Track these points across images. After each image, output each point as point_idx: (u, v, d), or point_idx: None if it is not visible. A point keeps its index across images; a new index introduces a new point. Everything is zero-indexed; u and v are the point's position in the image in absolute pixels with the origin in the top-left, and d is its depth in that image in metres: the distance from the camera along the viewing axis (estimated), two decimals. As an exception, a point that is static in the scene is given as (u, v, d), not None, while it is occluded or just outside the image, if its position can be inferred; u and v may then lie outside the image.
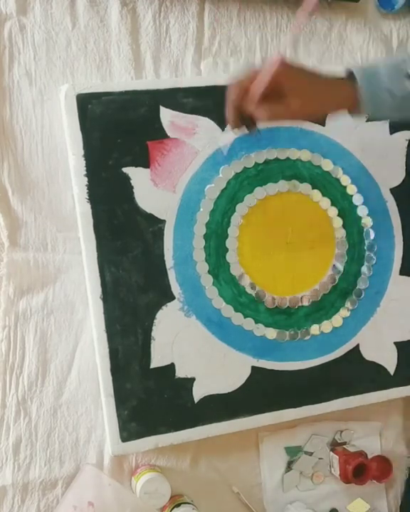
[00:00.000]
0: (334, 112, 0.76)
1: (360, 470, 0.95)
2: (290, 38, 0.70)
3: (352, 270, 0.94)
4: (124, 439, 0.84)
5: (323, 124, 0.92)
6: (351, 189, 0.94)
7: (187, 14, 0.91)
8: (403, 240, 0.96)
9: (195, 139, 0.87)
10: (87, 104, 0.83)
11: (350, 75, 0.73)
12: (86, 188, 0.83)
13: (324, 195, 0.93)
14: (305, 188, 0.92)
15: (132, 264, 0.85)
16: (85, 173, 0.83)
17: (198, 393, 0.88)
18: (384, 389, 0.96)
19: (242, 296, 0.90)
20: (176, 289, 0.87)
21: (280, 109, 0.70)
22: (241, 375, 0.90)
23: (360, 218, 0.95)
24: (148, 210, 0.86)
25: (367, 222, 0.95)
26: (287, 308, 0.92)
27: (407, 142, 0.97)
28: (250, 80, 0.70)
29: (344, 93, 0.73)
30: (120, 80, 0.88)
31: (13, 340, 0.84)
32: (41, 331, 0.85)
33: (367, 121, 0.79)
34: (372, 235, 0.95)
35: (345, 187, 0.94)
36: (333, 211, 0.93)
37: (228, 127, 0.78)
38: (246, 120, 0.73)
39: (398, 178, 0.97)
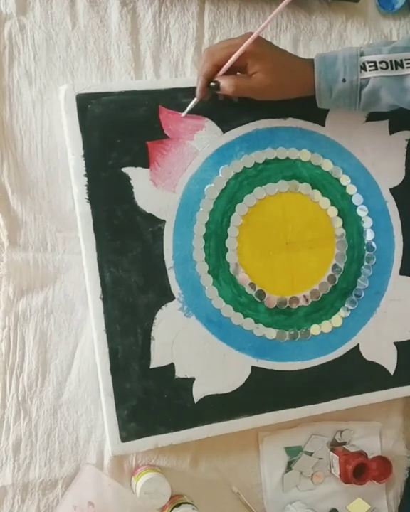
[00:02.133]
0: (295, 94, 0.82)
1: (360, 470, 0.95)
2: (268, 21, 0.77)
3: (352, 270, 0.94)
4: (123, 439, 0.84)
5: (323, 124, 0.92)
6: (351, 189, 0.94)
7: (187, 14, 0.91)
8: (403, 240, 0.96)
9: (195, 139, 0.87)
10: (86, 104, 0.83)
11: (311, 62, 0.80)
12: (86, 188, 0.83)
13: (324, 195, 0.93)
14: (305, 188, 0.92)
15: (131, 264, 0.85)
16: (84, 173, 0.83)
17: (197, 393, 0.88)
18: (384, 389, 0.96)
19: (242, 296, 0.90)
20: (175, 289, 0.87)
21: (243, 83, 0.79)
22: (241, 375, 0.90)
23: (360, 218, 0.95)
24: (148, 210, 0.86)
25: (367, 222, 0.95)
26: (287, 308, 0.92)
27: (407, 142, 0.97)
28: (222, 53, 0.78)
29: (304, 78, 0.80)
30: (120, 80, 0.88)
31: (13, 340, 0.84)
32: (41, 331, 0.85)
33: (322, 107, 0.84)
34: (372, 235, 0.95)
35: (345, 187, 0.94)
36: (333, 211, 0.93)
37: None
38: (213, 89, 0.80)
39: (398, 178, 0.97)
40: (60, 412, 0.86)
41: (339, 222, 0.94)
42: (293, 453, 0.97)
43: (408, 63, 0.76)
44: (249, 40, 0.76)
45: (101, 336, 0.84)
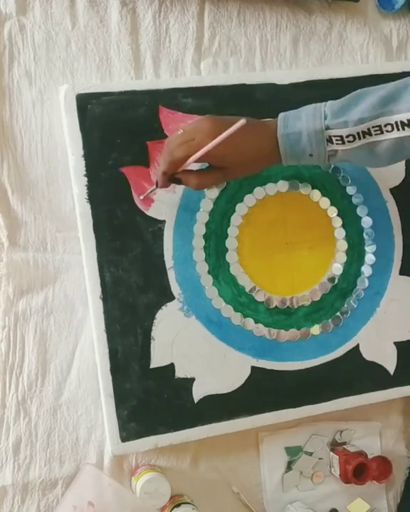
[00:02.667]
0: (262, 169, 0.79)
1: (360, 470, 0.95)
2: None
3: (352, 270, 0.94)
4: (123, 439, 0.85)
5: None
6: (351, 189, 0.94)
7: (187, 14, 0.91)
8: (403, 240, 0.96)
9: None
10: (86, 104, 0.83)
11: (276, 138, 0.74)
12: (86, 188, 0.83)
13: (324, 195, 0.93)
14: (305, 188, 0.92)
15: (131, 264, 0.85)
16: (84, 173, 0.83)
17: (197, 393, 0.88)
18: (384, 389, 0.96)
19: (242, 296, 0.90)
20: (175, 289, 0.87)
21: (208, 179, 0.77)
22: (241, 375, 0.90)
23: (360, 218, 0.95)
24: (148, 210, 0.86)
25: (367, 222, 0.95)
26: (287, 308, 0.92)
27: (407, 142, 0.97)
28: (180, 153, 0.74)
29: (271, 156, 0.75)
30: (120, 80, 0.88)
31: (12, 340, 0.84)
32: (41, 331, 0.85)
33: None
34: (372, 235, 0.95)
35: (345, 187, 0.94)
36: (333, 211, 0.93)
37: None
38: (175, 182, 0.78)
39: (398, 178, 0.96)
40: (60, 412, 0.86)
41: (339, 222, 0.94)
42: (293, 453, 0.97)
43: (376, 131, 0.69)
44: (209, 146, 0.71)
45: (101, 336, 0.84)
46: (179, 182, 0.78)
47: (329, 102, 0.74)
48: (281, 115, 0.75)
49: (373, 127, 0.69)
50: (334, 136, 0.71)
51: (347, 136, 0.71)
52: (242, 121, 0.69)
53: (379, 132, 0.69)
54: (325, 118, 0.72)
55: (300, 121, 0.73)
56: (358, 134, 0.70)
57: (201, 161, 0.74)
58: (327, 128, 0.71)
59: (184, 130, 0.75)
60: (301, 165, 0.81)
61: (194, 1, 0.91)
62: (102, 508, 0.83)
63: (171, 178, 0.77)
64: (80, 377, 0.87)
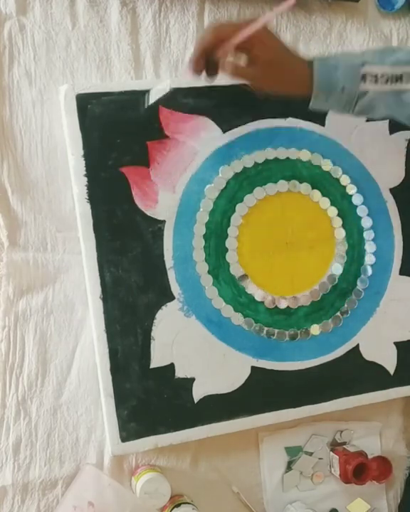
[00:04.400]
0: (290, 91, 0.79)
1: (360, 470, 0.95)
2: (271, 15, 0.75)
3: (352, 270, 0.94)
4: (123, 439, 0.85)
5: (323, 124, 0.92)
6: (351, 189, 0.94)
7: (187, 14, 0.91)
8: (403, 240, 0.96)
9: (195, 139, 0.87)
10: (86, 104, 0.83)
11: (311, 64, 0.77)
12: (86, 188, 0.83)
13: (323, 195, 0.93)
14: (305, 188, 0.92)
15: (131, 264, 0.85)
16: (84, 173, 0.83)
17: (197, 393, 0.88)
18: (384, 389, 0.96)
19: (242, 296, 0.90)
20: (175, 289, 0.87)
21: (243, 70, 0.76)
22: (241, 375, 0.90)
23: (360, 218, 0.95)
24: (147, 211, 0.86)
25: (367, 222, 0.95)
26: (287, 308, 0.92)
27: (407, 142, 0.97)
28: (229, 30, 0.74)
29: (303, 78, 0.77)
30: (120, 80, 0.88)
31: (13, 340, 0.84)
32: (41, 331, 0.85)
33: (312, 109, 0.80)
34: (372, 235, 0.95)
35: (345, 187, 0.94)
36: (333, 211, 0.93)
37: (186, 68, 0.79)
38: (210, 66, 0.76)
39: (398, 178, 0.97)
40: (60, 412, 0.86)
41: (339, 222, 0.94)
42: (293, 453, 0.97)
43: (408, 78, 0.74)
44: (262, 20, 0.72)
45: (101, 336, 0.84)
46: (213, 66, 0.76)
47: (366, 49, 0.79)
48: (317, 56, 0.78)
49: (406, 74, 0.73)
50: (369, 73, 0.74)
51: (381, 76, 0.74)
52: (292, 1, 0.71)
53: None
54: (363, 55, 0.76)
55: (337, 58, 0.77)
56: (391, 76, 0.74)
57: (241, 46, 0.73)
58: (364, 64, 0.75)
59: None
60: (325, 108, 0.80)
61: (194, 1, 0.91)
62: (102, 508, 0.83)
63: (208, 59, 0.75)
64: (80, 377, 0.87)
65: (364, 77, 0.74)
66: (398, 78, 0.74)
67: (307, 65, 0.77)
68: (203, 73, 0.78)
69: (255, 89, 0.80)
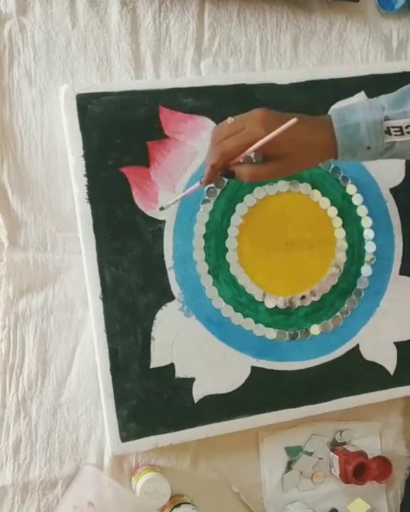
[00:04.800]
0: (316, 164, 0.78)
1: (360, 470, 0.95)
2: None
3: (352, 270, 0.94)
4: (123, 439, 0.85)
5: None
6: (351, 189, 0.94)
7: (187, 14, 0.91)
8: (403, 240, 0.96)
9: (195, 139, 0.87)
10: (86, 104, 0.83)
11: (331, 129, 0.72)
12: (86, 188, 0.83)
13: (323, 195, 0.93)
14: (305, 187, 0.92)
15: (131, 264, 0.85)
16: (84, 173, 0.83)
17: (197, 393, 0.88)
18: (384, 389, 0.96)
19: (242, 296, 0.90)
20: (175, 289, 0.87)
21: (261, 172, 0.72)
22: (241, 375, 0.90)
23: (360, 218, 0.95)
24: (147, 210, 0.86)
25: (367, 222, 0.95)
26: (287, 308, 0.92)
27: (407, 142, 0.97)
28: (231, 145, 0.71)
29: (326, 149, 0.73)
30: (120, 80, 0.88)
31: (13, 340, 0.84)
32: (41, 331, 0.85)
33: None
34: (372, 235, 0.95)
35: (345, 187, 0.94)
36: (333, 211, 0.93)
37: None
38: (226, 176, 0.74)
39: (398, 178, 0.96)
40: (60, 412, 0.86)
41: (339, 222, 0.94)
42: (293, 453, 0.97)
43: None
44: (266, 138, 0.68)
45: (101, 336, 0.84)
46: (230, 175, 0.73)
47: (382, 96, 0.74)
48: (334, 110, 0.74)
49: None
50: (393, 127, 0.71)
51: (407, 127, 0.71)
52: (294, 120, 0.67)
53: None
54: (383, 109, 0.72)
55: (357, 114, 0.72)
56: None
57: (256, 151, 0.71)
58: (387, 119, 0.71)
59: (234, 119, 0.73)
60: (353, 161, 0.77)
61: (194, 1, 0.91)
62: (102, 508, 0.83)
63: (221, 171, 0.73)
64: (80, 377, 0.87)
65: (388, 131, 0.71)
66: None
67: (326, 127, 0.73)
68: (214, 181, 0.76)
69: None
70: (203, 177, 0.74)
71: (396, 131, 0.71)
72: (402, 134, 0.71)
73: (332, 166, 0.93)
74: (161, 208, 0.83)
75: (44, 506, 0.85)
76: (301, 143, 0.72)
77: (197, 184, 0.76)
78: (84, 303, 0.86)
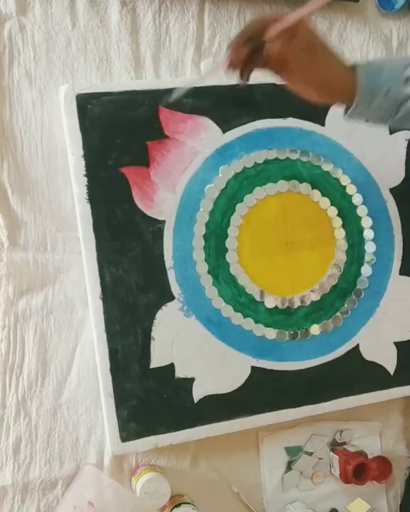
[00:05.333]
0: (331, 90, 0.73)
1: (360, 470, 0.95)
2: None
3: (352, 270, 0.94)
4: (123, 439, 0.85)
5: (323, 123, 0.92)
6: (351, 189, 0.94)
7: (187, 14, 0.91)
8: (403, 240, 0.96)
9: (195, 139, 0.87)
10: (86, 104, 0.83)
11: (354, 69, 0.72)
12: (86, 188, 0.83)
13: (323, 195, 0.93)
14: (305, 188, 0.92)
15: (131, 264, 0.85)
16: (84, 173, 0.83)
17: (197, 393, 0.88)
18: (384, 389, 0.96)
19: (242, 296, 0.90)
20: (175, 289, 0.87)
21: (292, 52, 0.68)
22: (241, 375, 0.90)
23: (360, 218, 0.95)
24: (147, 211, 0.86)
25: (367, 222, 0.95)
26: (287, 308, 0.92)
27: (407, 142, 0.97)
28: (273, 19, 0.67)
29: (345, 80, 0.71)
30: (120, 80, 0.88)
31: (12, 340, 0.84)
32: (41, 331, 0.85)
33: (347, 117, 0.75)
34: (372, 235, 0.95)
35: (345, 187, 0.94)
36: (333, 211, 0.93)
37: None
38: (254, 45, 0.68)
39: (398, 178, 0.97)
40: (60, 412, 0.86)
41: (339, 222, 0.94)
42: (293, 453, 0.97)
43: None
44: (309, 7, 0.65)
45: (101, 336, 0.84)
46: (258, 47, 0.67)
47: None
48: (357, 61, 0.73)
49: None
50: None
51: None
52: None
53: None
54: (406, 61, 0.72)
55: (381, 61, 0.73)
56: None
57: (294, 27, 0.66)
58: (408, 66, 0.71)
59: None
60: (365, 117, 0.74)
61: (194, 1, 0.91)
62: (102, 508, 0.83)
63: (253, 46, 0.67)
64: (80, 377, 0.87)
65: (408, 80, 0.71)
66: None
67: (350, 68, 0.72)
68: (237, 72, 0.70)
69: (293, 87, 0.73)
70: (232, 41, 0.68)
71: None
72: None
73: (332, 166, 0.93)
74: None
75: (44, 506, 0.85)
76: (329, 53, 0.70)
77: (223, 62, 0.69)
78: (84, 303, 0.86)
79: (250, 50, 0.68)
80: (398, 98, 0.72)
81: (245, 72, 0.70)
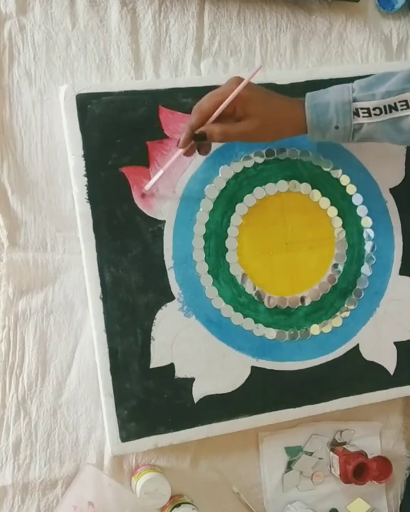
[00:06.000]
0: (286, 135, 0.80)
1: (360, 470, 0.95)
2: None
3: (352, 270, 0.94)
4: (123, 439, 0.85)
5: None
6: (351, 189, 0.94)
7: (187, 14, 0.91)
8: (403, 240, 0.96)
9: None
10: (86, 104, 0.83)
11: (302, 107, 0.76)
12: (85, 188, 0.83)
13: (323, 195, 0.93)
14: (305, 188, 0.92)
15: (131, 264, 0.85)
16: (84, 173, 0.83)
17: (197, 393, 0.88)
18: (384, 389, 0.96)
19: (242, 296, 0.90)
20: (175, 289, 0.87)
21: (232, 129, 0.76)
22: (241, 375, 0.90)
23: (360, 218, 0.95)
24: (147, 211, 0.86)
25: (367, 222, 0.95)
26: (287, 308, 0.92)
27: (407, 142, 0.97)
28: (209, 103, 0.75)
29: (296, 121, 0.77)
30: (120, 80, 0.88)
31: (12, 340, 0.84)
32: (41, 331, 0.85)
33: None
34: (372, 235, 0.95)
35: (345, 187, 0.94)
36: (333, 211, 0.93)
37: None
38: (198, 138, 0.77)
39: (398, 178, 0.97)
40: (60, 412, 0.86)
41: (339, 222, 0.94)
42: (293, 453, 0.97)
43: (402, 105, 0.72)
44: (239, 87, 0.73)
45: (101, 336, 0.84)
46: (202, 138, 0.76)
47: (357, 81, 0.77)
48: (308, 93, 0.77)
49: (399, 102, 0.72)
50: (361, 108, 0.74)
51: (374, 109, 0.73)
52: (259, 66, 0.74)
53: (405, 107, 0.72)
54: (353, 91, 0.75)
55: (328, 94, 0.76)
56: (384, 107, 0.73)
57: (226, 112, 0.75)
58: (355, 100, 0.74)
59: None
60: (325, 142, 0.80)
61: (194, 1, 0.91)
62: (102, 508, 0.83)
63: (195, 134, 0.76)
64: (80, 377, 0.87)
65: (356, 112, 0.74)
66: (393, 107, 0.73)
67: (298, 105, 0.77)
68: (196, 152, 0.80)
69: (252, 142, 0.81)
70: (180, 140, 0.78)
71: (364, 113, 0.74)
72: (370, 115, 0.74)
73: (332, 166, 0.93)
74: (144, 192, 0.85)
75: (44, 506, 0.85)
76: (274, 108, 0.76)
77: (177, 152, 0.79)
78: (84, 303, 0.86)
79: (195, 143, 0.78)
80: (348, 130, 0.76)
81: (201, 151, 0.80)
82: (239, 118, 0.76)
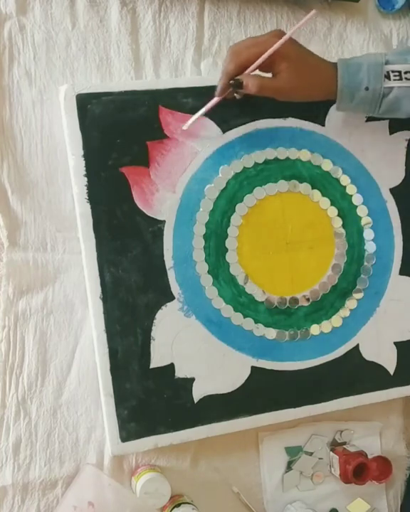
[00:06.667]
0: (317, 97, 0.81)
1: (360, 470, 0.95)
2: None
3: (352, 270, 0.94)
4: (123, 439, 0.84)
5: (323, 124, 0.92)
6: (351, 189, 0.94)
7: (187, 14, 0.92)
8: (403, 240, 0.96)
9: (195, 139, 0.87)
10: (86, 104, 0.83)
11: (335, 67, 0.78)
12: (85, 188, 0.83)
13: (323, 195, 0.93)
14: (305, 188, 0.92)
15: (131, 264, 0.85)
16: (84, 173, 0.83)
17: (197, 393, 0.88)
18: (384, 389, 0.96)
19: (241, 296, 0.90)
20: (175, 289, 0.87)
21: (268, 83, 0.77)
22: (241, 375, 0.90)
23: (360, 218, 0.95)
24: (147, 211, 0.86)
25: (367, 222, 0.95)
26: (287, 308, 0.92)
27: (407, 142, 0.97)
28: (249, 53, 0.76)
29: (328, 82, 0.78)
30: (120, 80, 0.88)
31: (12, 340, 0.84)
32: (41, 331, 0.85)
33: (340, 111, 0.84)
34: (372, 235, 0.95)
35: (345, 187, 0.94)
36: (333, 211, 0.93)
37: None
38: (235, 85, 0.78)
39: (398, 178, 0.97)
40: (60, 412, 0.86)
41: (339, 222, 0.94)
42: (293, 453, 0.97)
43: None
44: (282, 40, 0.75)
45: (101, 336, 0.84)
46: (239, 86, 0.77)
47: (390, 51, 0.80)
48: (341, 58, 0.80)
49: None
50: (393, 71, 0.75)
51: (406, 73, 0.75)
52: (313, 12, 0.75)
53: None
54: (385, 55, 0.77)
55: (361, 58, 0.78)
56: None
57: (264, 63, 0.76)
58: (387, 62, 0.76)
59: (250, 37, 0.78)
60: (350, 112, 0.82)
61: (194, 1, 0.92)
62: (102, 508, 0.83)
63: (231, 83, 0.77)
64: (80, 377, 0.87)
65: (387, 75, 0.75)
66: None
67: (332, 67, 0.78)
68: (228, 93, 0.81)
69: (282, 100, 0.81)
70: (218, 87, 0.79)
71: (395, 76, 0.75)
72: (401, 79, 0.76)
73: (332, 166, 0.93)
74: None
75: (44, 506, 0.85)
76: (310, 67, 0.77)
77: (215, 99, 0.81)
78: (84, 303, 0.86)
79: (230, 93, 0.80)
80: (378, 92, 0.77)
81: (236, 96, 0.83)
82: (275, 73, 0.77)
